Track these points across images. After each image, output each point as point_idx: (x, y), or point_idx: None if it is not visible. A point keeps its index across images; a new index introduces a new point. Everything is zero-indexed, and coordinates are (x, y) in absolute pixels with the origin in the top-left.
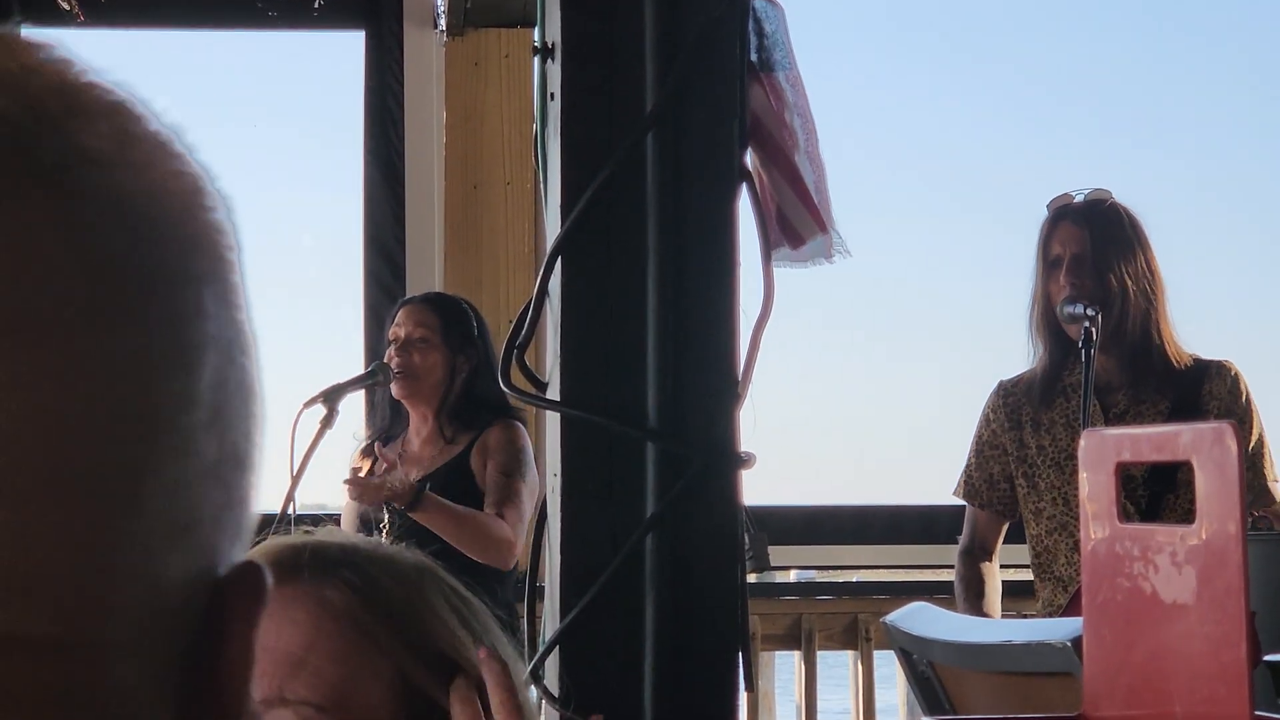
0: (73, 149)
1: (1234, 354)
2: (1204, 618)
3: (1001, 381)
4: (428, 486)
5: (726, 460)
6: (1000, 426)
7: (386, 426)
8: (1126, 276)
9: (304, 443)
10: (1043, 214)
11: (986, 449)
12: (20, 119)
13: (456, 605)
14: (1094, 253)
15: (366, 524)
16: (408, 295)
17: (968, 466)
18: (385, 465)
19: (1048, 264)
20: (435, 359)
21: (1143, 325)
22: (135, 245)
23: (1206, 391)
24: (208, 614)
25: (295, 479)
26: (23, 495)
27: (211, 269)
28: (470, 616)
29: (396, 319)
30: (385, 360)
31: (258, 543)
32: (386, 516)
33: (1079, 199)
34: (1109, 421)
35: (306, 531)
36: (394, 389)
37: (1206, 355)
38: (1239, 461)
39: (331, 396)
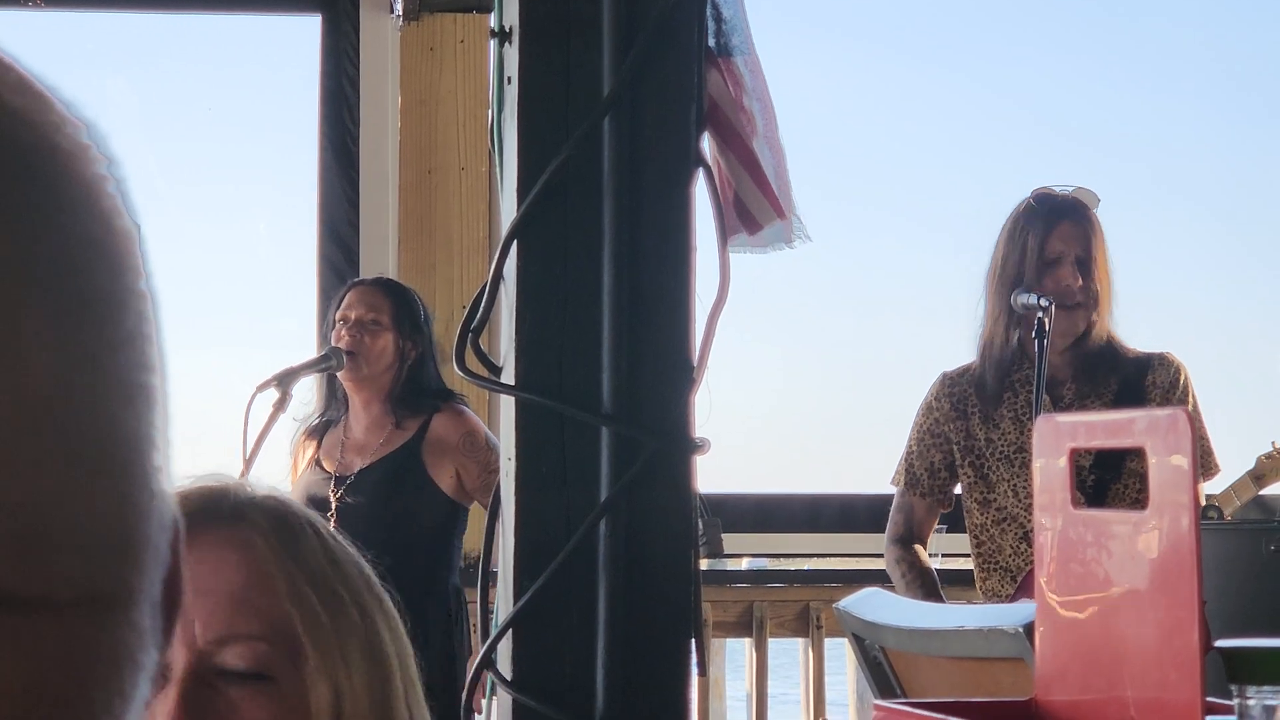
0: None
1: (1176, 346)
2: (1156, 603)
3: (945, 372)
4: (371, 474)
5: (681, 445)
6: (943, 415)
7: (324, 409)
8: (1101, 279)
9: (257, 426)
10: (1000, 200)
11: (928, 438)
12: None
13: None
14: (1093, 255)
15: (316, 496)
16: (356, 279)
17: (908, 454)
18: None
19: (1044, 260)
20: (386, 342)
21: (1106, 325)
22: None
23: (1150, 382)
24: None
25: (248, 462)
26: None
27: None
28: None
29: (345, 300)
30: (334, 342)
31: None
32: (334, 501)
33: (1059, 191)
34: (1058, 412)
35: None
36: (342, 374)
37: (1147, 349)
38: (1193, 448)
39: (285, 380)
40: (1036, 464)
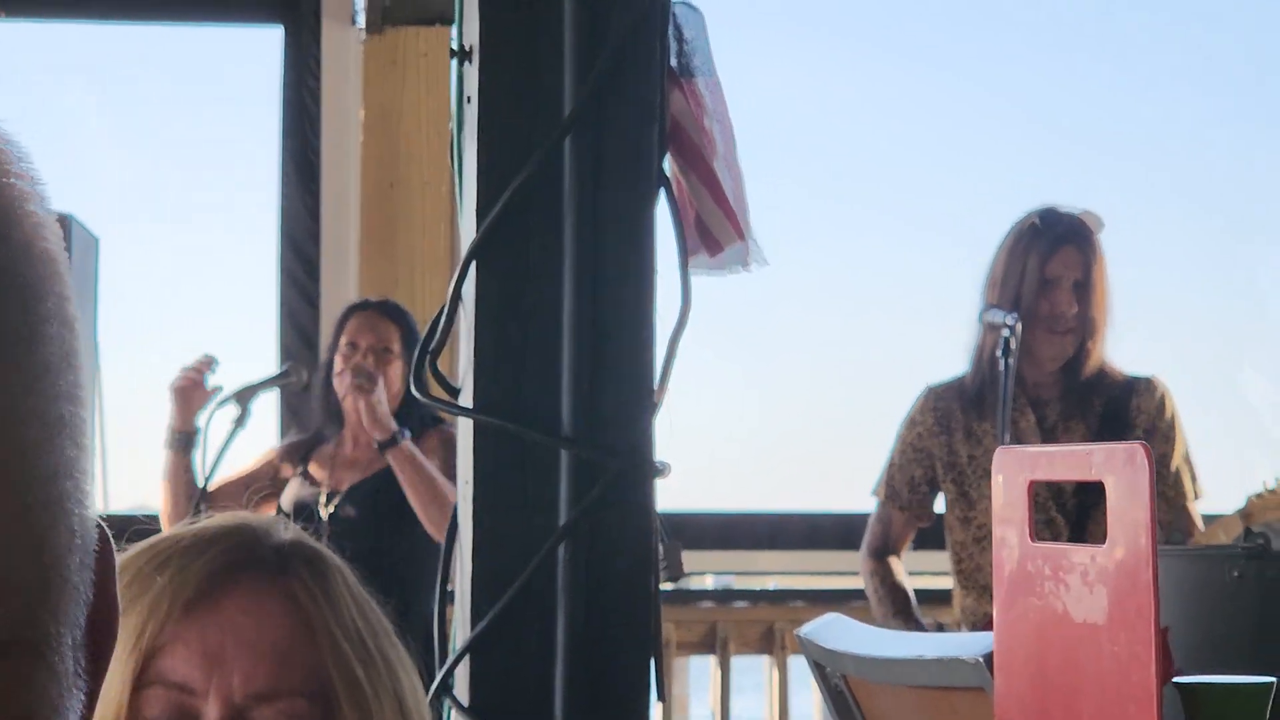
0: None
1: (1163, 369)
2: (1114, 638)
3: (930, 386)
4: (361, 490)
5: (641, 468)
6: (927, 430)
7: (320, 426)
8: (1098, 306)
9: (216, 442)
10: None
11: (910, 451)
12: None
13: (369, 610)
14: (1095, 281)
15: (303, 509)
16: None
17: (889, 467)
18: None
19: (1043, 280)
20: (397, 370)
21: (1100, 350)
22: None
23: (1135, 407)
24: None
25: (207, 478)
26: None
27: (54, 277)
28: (372, 614)
29: (349, 326)
30: (336, 371)
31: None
32: (326, 508)
33: (1064, 211)
34: (1043, 433)
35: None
36: (346, 404)
37: (1133, 372)
38: (1150, 483)
39: (243, 397)
40: (996, 494)
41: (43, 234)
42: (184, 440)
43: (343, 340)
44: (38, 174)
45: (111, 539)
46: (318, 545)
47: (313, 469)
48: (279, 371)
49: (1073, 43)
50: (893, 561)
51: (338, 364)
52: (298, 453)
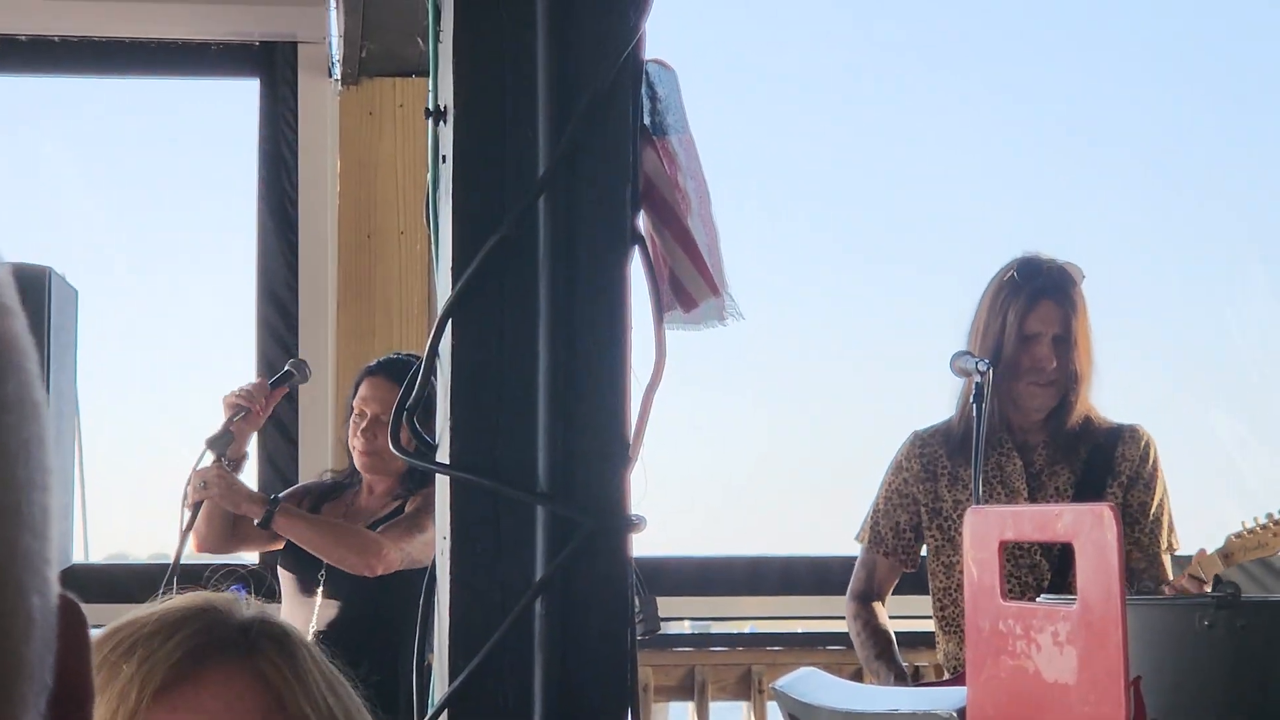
0: None
1: (1134, 409)
2: (1084, 696)
3: (917, 432)
4: (278, 503)
5: (616, 524)
6: (913, 476)
7: (343, 476)
8: (1086, 356)
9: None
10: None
11: (895, 497)
12: None
13: (338, 685)
14: (1074, 335)
15: (305, 578)
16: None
17: (874, 512)
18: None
19: (1022, 335)
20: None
21: (1085, 397)
22: None
23: (1119, 454)
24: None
25: (183, 535)
26: None
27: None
28: (342, 689)
29: (361, 392)
30: (350, 437)
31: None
32: (324, 574)
33: (1045, 263)
34: (1029, 478)
35: (227, 592)
36: (359, 464)
37: (1120, 419)
38: (1118, 544)
39: (216, 445)
40: (967, 555)
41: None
42: (236, 468)
43: (355, 405)
44: None
45: (84, 619)
46: (281, 622)
47: (326, 510)
48: (229, 417)
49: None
50: (876, 606)
51: (351, 430)
52: (315, 495)
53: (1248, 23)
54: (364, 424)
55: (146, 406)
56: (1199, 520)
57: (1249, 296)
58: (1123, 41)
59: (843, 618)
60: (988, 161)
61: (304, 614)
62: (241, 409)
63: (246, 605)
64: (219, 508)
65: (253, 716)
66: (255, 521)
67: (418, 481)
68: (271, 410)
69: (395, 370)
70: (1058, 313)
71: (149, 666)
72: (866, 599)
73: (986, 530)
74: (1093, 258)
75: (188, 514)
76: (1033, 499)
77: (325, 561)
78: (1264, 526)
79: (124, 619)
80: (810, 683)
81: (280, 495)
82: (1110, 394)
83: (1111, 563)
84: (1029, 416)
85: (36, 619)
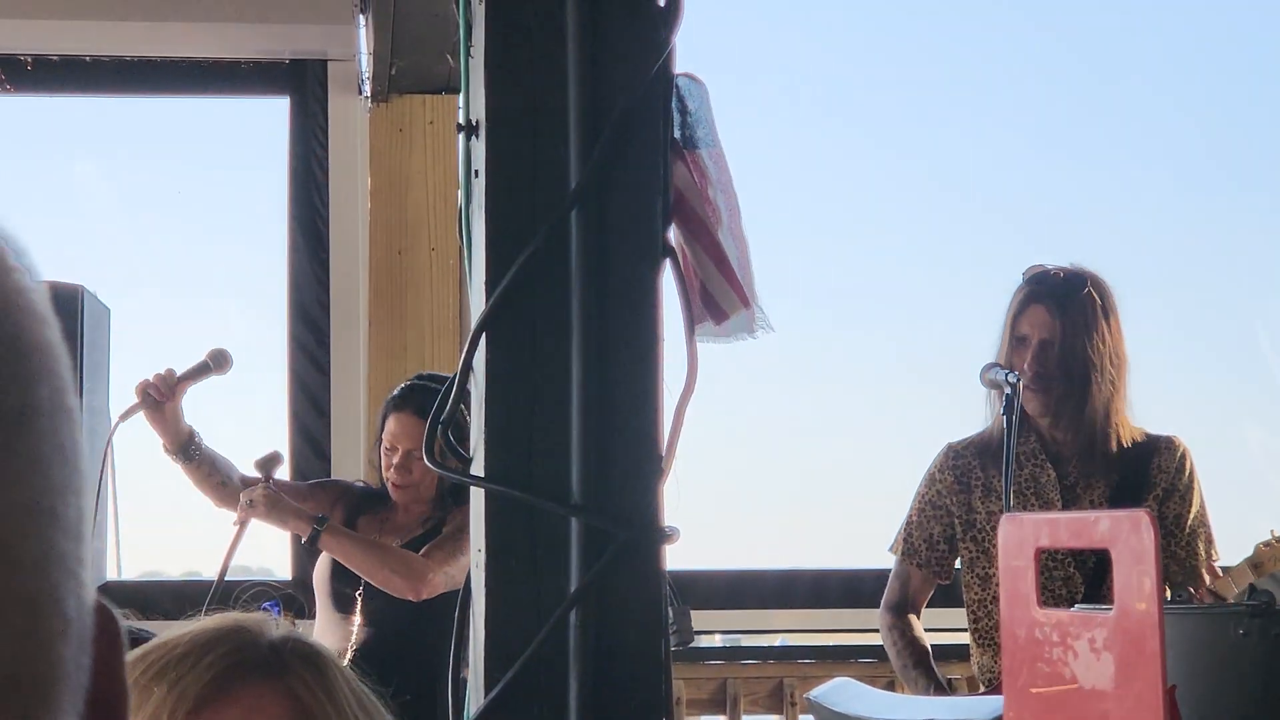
0: None
1: (1167, 420)
2: (1121, 704)
3: (950, 444)
4: (327, 524)
5: (650, 536)
6: (946, 488)
7: (375, 502)
8: (1091, 363)
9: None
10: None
11: (929, 509)
12: None
13: (369, 703)
14: (1064, 340)
15: (340, 594)
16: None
17: (908, 524)
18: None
19: (1014, 338)
20: (429, 470)
21: (1105, 405)
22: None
23: (1155, 466)
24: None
25: (234, 545)
26: None
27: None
28: (372, 707)
29: (390, 428)
30: (385, 470)
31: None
32: (362, 593)
33: (1054, 270)
34: (1063, 491)
35: (258, 611)
36: (394, 495)
37: (1155, 430)
38: (1155, 550)
39: (268, 465)
40: (1002, 563)
41: (36, 325)
42: (184, 453)
43: (384, 439)
44: (34, 267)
45: (119, 624)
46: (312, 641)
47: (361, 524)
48: (200, 361)
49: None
50: (911, 618)
51: (383, 461)
52: (352, 502)
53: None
54: (396, 458)
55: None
56: (1230, 533)
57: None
58: (1162, 52)
59: (875, 630)
60: (1026, 171)
61: (340, 633)
62: (149, 399)
63: (276, 625)
64: (212, 476)
65: None
66: (302, 540)
67: (454, 499)
68: (179, 399)
69: (420, 403)
70: (1047, 317)
71: (180, 689)
72: (901, 611)
73: (1022, 537)
74: (1124, 269)
75: (234, 529)
76: (1067, 511)
77: (364, 581)
78: None
79: (154, 641)
80: (845, 693)
81: (316, 482)
82: (1140, 405)
83: (1149, 569)
84: (1033, 422)
85: (73, 620)
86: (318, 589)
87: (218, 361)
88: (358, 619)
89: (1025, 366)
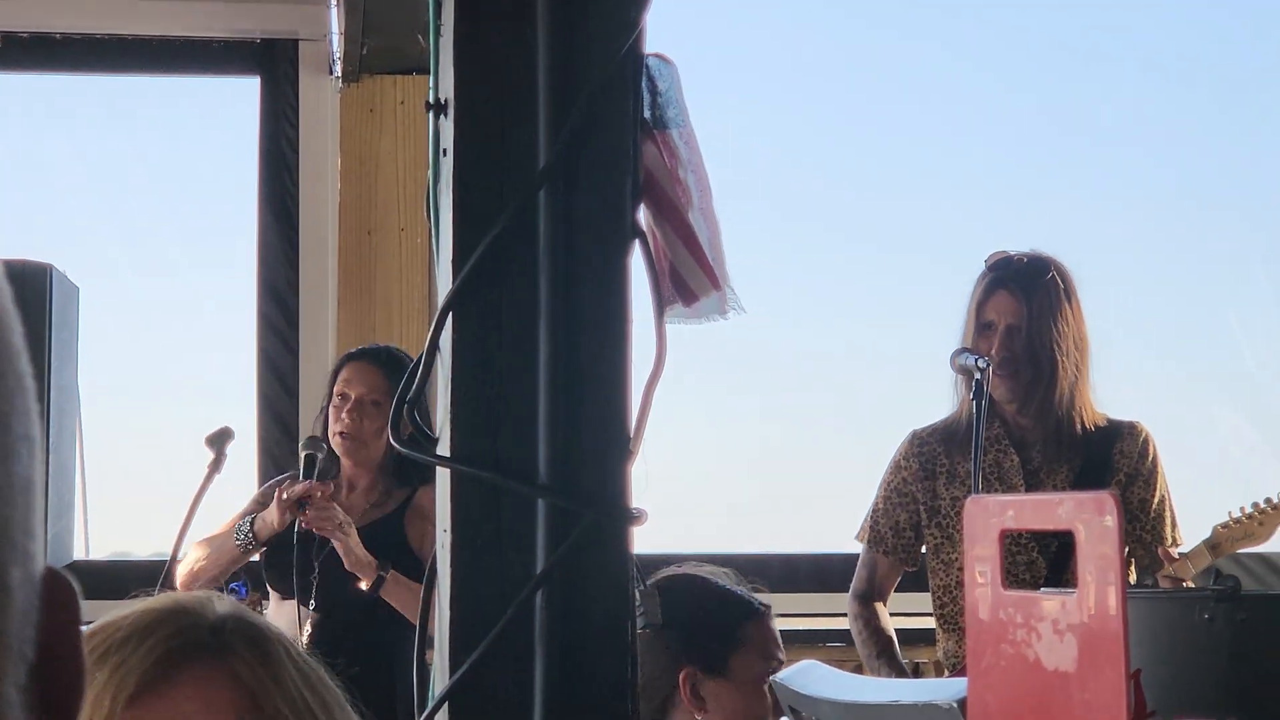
0: None
1: (1138, 406)
2: (1085, 686)
3: (915, 431)
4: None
5: (617, 517)
6: (911, 475)
7: (327, 471)
8: (1057, 347)
9: (193, 487)
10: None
11: (895, 496)
12: None
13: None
14: (1030, 324)
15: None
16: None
17: (874, 512)
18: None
19: (980, 324)
20: (382, 424)
21: (1070, 388)
22: None
23: (1118, 451)
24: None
25: (185, 524)
26: None
27: None
28: (319, 684)
29: (343, 376)
30: (332, 421)
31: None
32: (316, 563)
33: (1016, 256)
34: (1026, 476)
35: (200, 591)
36: (339, 449)
37: (1118, 415)
38: (1119, 532)
39: (219, 441)
40: (966, 545)
41: None
42: (260, 546)
43: (335, 390)
44: None
45: (74, 591)
46: (255, 619)
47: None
48: (305, 457)
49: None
50: (878, 606)
51: (331, 415)
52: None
53: (1255, 22)
54: (347, 406)
55: (148, 403)
56: (1201, 518)
57: (1252, 297)
58: (1128, 40)
59: (843, 615)
60: (992, 159)
61: (292, 619)
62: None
63: (219, 602)
64: (237, 554)
65: (228, 718)
66: (364, 585)
67: (401, 479)
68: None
69: (377, 355)
70: (1013, 303)
71: (122, 674)
72: (868, 599)
73: (987, 519)
74: (1096, 256)
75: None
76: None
77: (318, 567)
78: (1250, 516)
79: (97, 624)
80: (810, 675)
81: (270, 484)
82: (1113, 392)
83: (1113, 550)
84: (999, 409)
85: (15, 591)
86: (268, 579)
87: (315, 447)
88: (312, 603)
89: (992, 352)
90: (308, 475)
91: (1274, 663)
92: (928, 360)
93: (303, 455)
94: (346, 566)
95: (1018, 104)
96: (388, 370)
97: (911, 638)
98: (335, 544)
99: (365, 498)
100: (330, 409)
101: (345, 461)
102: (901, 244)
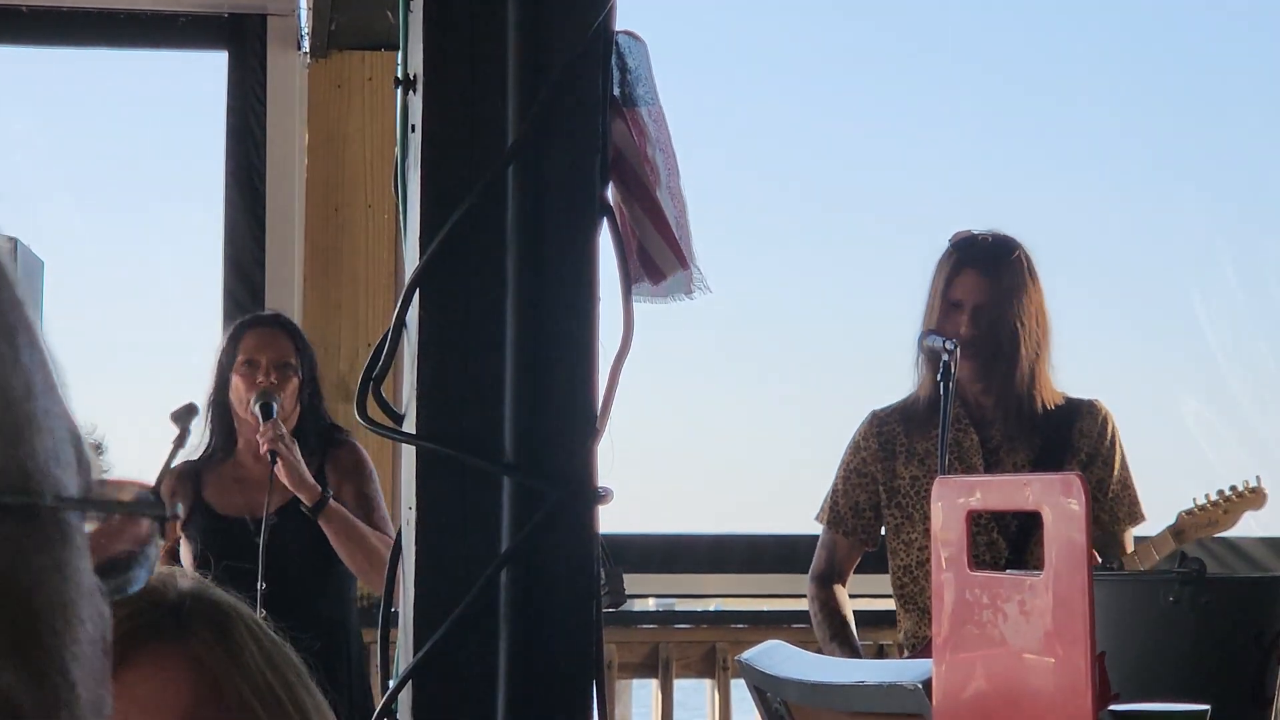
0: None
1: (1104, 391)
2: (1050, 666)
3: (875, 411)
4: (287, 513)
5: (583, 495)
6: (871, 455)
7: (212, 447)
8: (1020, 325)
9: (157, 462)
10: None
11: (854, 476)
12: None
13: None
14: (995, 304)
15: (233, 543)
16: (243, 319)
17: (833, 493)
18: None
19: (948, 304)
20: (295, 386)
21: (1031, 367)
22: None
23: (1077, 430)
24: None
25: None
26: None
27: None
28: (283, 663)
29: (246, 343)
30: (248, 390)
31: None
32: (260, 543)
33: (980, 235)
34: (985, 455)
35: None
36: (242, 409)
37: (1077, 394)
38: (1086, 512)
39: (184, 416)
40: (933, 526)
41: None
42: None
43: (240, 358)
44: None
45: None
46: (216, 595)
47: (210, 495)
48: (179, 434)
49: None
50: (836, 588)
51: (235, 382)
52: (189, 480)
53: (1221, 16)
54: (261, 373)
55: (113, 377)
56: (1164, 502)
57: (1217, 281)
58: (1097, 26)
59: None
60: (960, 143)
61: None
62: (279, 444)
63: (181, 579)
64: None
65: (187, 700)
66: (304, 506)
67: (308, 447)
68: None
69: (278, 321)
70: (981, 282)
71: None
72: (827, 581)
73: (953, 500)
74: (1064, 240)
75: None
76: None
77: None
78: (1215, 504)
79: None
80: (776, 655)
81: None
82: (1076, 375)
83: (1079, 531)
84: (976, 388)
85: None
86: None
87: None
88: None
89: (961, 331)
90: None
91: (1237, 645)
92: (890, 343)
93: (258, 405)
94: (289, 485)
95: (985, 89)
96: (290, 333)
97: (874, 619)
98: (279, 461)
99: (268, 469)
100: (234, 379)
101: (249, 432)
102: (866, 227)
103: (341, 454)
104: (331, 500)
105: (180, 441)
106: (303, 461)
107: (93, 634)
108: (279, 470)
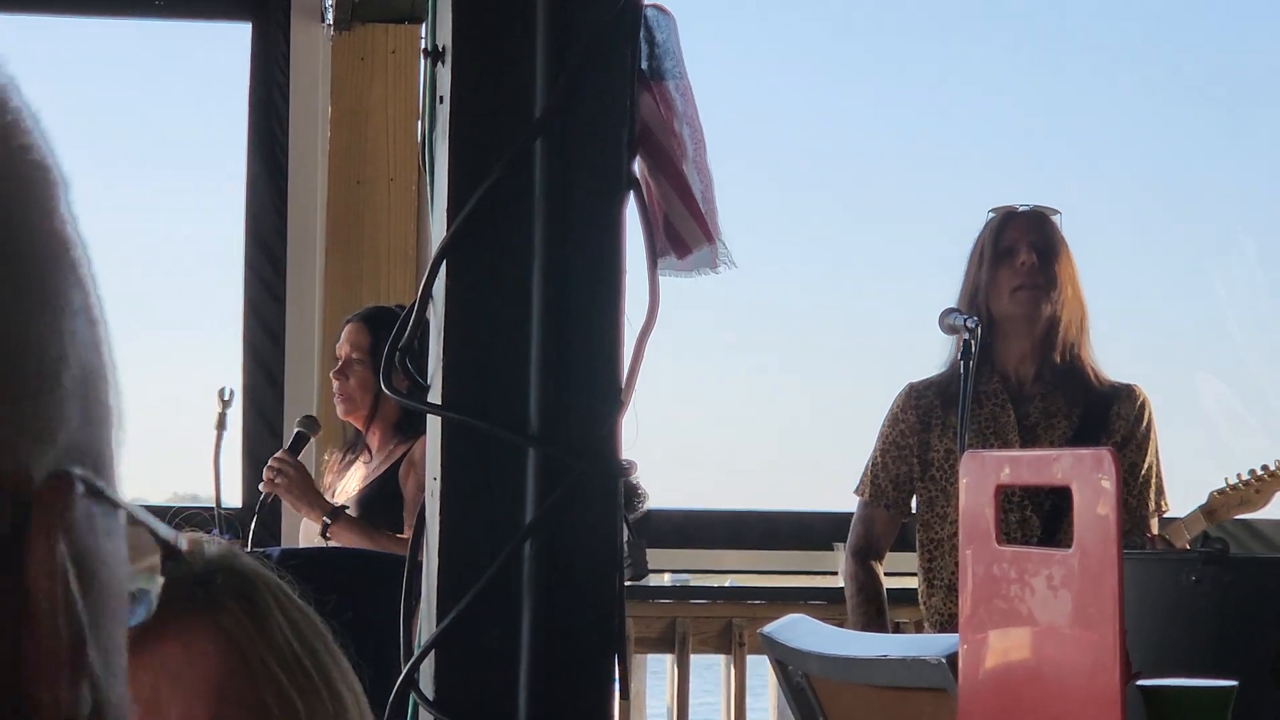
0: None
1: (1140, 378)
2: (1078, 641)
3: (911, 383)
4: (359, 500)
5: (607, 468)
6: (909, 427)
7: (352, 440)
8: (1064, 295)
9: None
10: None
11: (894, 449)
12: None
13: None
14: (1049, 246)
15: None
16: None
17: (873, 466)
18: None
19: (999, 251)
20: (365, 378)
21: (1072, 344)
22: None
23: (1114, 413)
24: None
25: (217, 483)
26: None
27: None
28: (310, 631)
29: (341, 336)
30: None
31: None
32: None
33: (1020, 207)
34: (1022, 431)
35: (200, 539)
36: (337, 409)
37: (1117, 378)
38: (1116, 489)
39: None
40: (962, 500)
41: (27, 156)
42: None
43: (337, 352)
44: (26, 101)
45: (75, 489)
46: (243, 564)
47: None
48: (295, 433)
49: (1057, 57)
50: (874, 565)
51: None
52: (342, 464)
53: (1244, 7)
54: (336, 367)
55: (133, 353)
56: (1182, 483)
57: (1238, 266)
58: (1119, 11)
59: (825, 572)
60: (986, 124)
61: None
62: (276, 486)
63: (209, 546)
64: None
65: (214, 672)
66: (316, 527)
67: (400, 434)
68: (304, 468)
69: (370, 315)
70: (1032, 223)
71: None
72: (865, 557)
73: (983, 474)
74: (1086, 223)
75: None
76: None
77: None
78: (1246, 483)
79: None
80: (799, 629)
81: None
82: (1099, 355)
83: (1109, 506)
84: (1017, 351)
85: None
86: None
87: (310, 427)
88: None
89: (1018, 265)
90: (292, 450)
91: (1259, 625)
92: (913, 324)
93: (295, 430)
94: (296, 511)
95: (1011, 73)
96: (369, 325)
97: (894, 598)
98: (291, 500)
99: (379, 455)
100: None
101: (350, 421)
102: (898, 201)
103: (418, 447)
104: (334, 521)
105: (221, 424)
106: (300, 497)
107: (122, 638)
108: (284, 496)
